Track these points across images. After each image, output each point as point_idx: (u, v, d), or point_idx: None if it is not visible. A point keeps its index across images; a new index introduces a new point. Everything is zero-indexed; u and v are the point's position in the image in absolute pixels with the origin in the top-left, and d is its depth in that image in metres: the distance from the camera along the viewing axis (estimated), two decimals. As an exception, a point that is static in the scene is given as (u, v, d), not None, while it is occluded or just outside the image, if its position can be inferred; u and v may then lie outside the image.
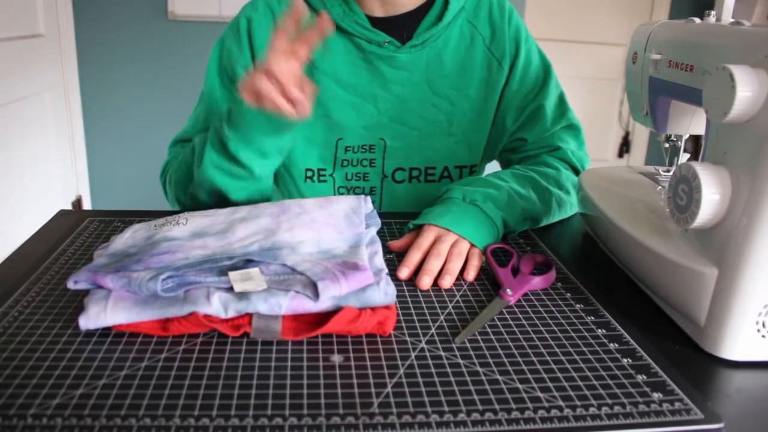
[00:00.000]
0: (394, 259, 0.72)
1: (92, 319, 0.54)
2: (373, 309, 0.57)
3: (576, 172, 0.93)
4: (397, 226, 0.83)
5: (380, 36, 0.88)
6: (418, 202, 0.97)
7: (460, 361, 0.53)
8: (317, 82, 0.89)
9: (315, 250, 0.65)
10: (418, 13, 0.90)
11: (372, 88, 0.90)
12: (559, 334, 0.58)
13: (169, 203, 0.93)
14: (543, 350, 0.55)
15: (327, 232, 0.68)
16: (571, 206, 0.89)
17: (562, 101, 0.96)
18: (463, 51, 0.92)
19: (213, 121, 0.86)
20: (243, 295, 0.56)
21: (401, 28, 0.90)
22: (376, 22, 0.89)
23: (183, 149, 0.90)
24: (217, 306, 0.55)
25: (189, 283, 0.57)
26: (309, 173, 0.94)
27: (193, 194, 0.84)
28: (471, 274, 0.69)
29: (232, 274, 0.58)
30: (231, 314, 0.55)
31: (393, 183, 0.96)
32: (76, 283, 0.57)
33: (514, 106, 0.94)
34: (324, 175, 0.94)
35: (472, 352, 0.54)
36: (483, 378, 0.50)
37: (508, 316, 0.61)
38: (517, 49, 0.93)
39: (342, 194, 0.94)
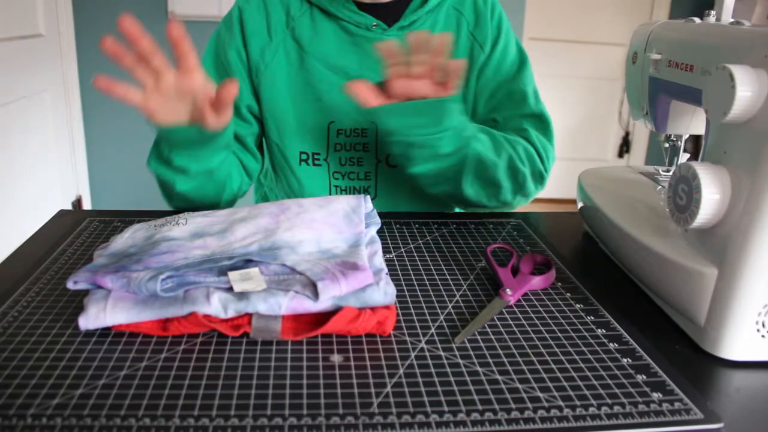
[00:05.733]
0: (393, 259, 0.72)
1: (92, 319, 0.54)
2: (372, 309, 0.56)
3: (539, 156, 0.90)
4: (397, 226, 0.83)
5: (368, 19, 0.90)
6: (415, 186, 0.97)
7: (460, 361, 0.53)
8: (307, 67, 0.92)
9: (314, 249, 0.65)
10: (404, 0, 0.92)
11: (361, 70, 0.91)
12: (559, 334, 0.58)
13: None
14: (543, 350, 0.55)
15: (326, 232, 0.68)
16: (524, 177, 0.86)
17: (535, 95, 0.97)
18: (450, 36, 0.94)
19: None
20: (243, 295, 0.56)
21: (388, 13, 0.91)
22: (364, 6, 0.91)
23: None
24: (216, 306, 0.55)
25: (188, 283, 0.57)
26: (303, 156, 0.95)
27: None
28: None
29: (232, 275, 0.58)
30: (230, 314, 0.55)
31: (387, 167, 0.96)
32: (75, 283, 0.56)
33: (487, 93, 0.96)
34: (318, 159, 0.95)
35: (471, 352, 0.54)
36: (483, 378, 0.50)
37: (507, 316, 0.61)
38: (497, 38, 0.95)
39: (337, 179, 0.96)
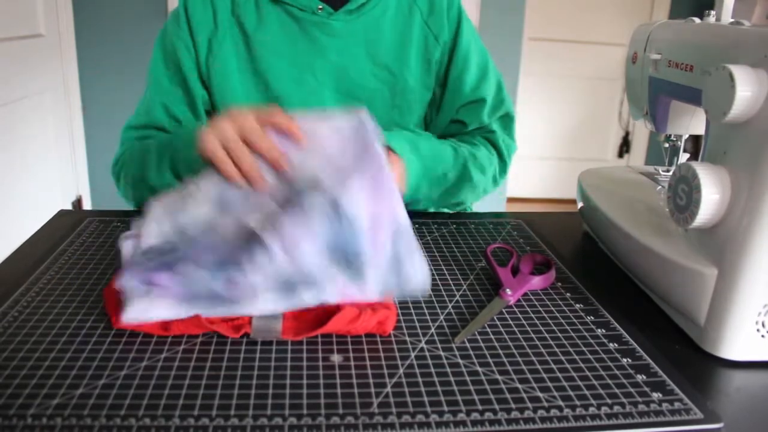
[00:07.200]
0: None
1: (136, 312, 0.54)
2: (373, 309, 0.57)
3: (501, 157, 0.96)
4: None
5: (313, 2, 0.87)
6: None
7: (460, 361, 0.53)
8: (255, 55, 0.89)
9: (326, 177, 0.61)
10: None
11: (309, 57, 0.89)
12: (559, 334, 0.58)
13: (121, 194, 0.91)
14: (543, 350, 0.55)
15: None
16: (480, 185, 0.92)
17: (499, 89, 0.97)
18: (401, 22, 0.92)
19: (157, 112, 0.90)
20: (290, 286, 0.56)
21: None
22: None
23: (136, 141, 0.89)
24: (263, 306, 0.56)
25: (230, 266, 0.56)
26: None
27: (152, 187, 0.81)
28: None
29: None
30: (282, 308, 0.57)
31: None
32: (128, 282, 0.55)
33: (458, 95, 0.94)
34: None
35: (471, 352, 0.54)
36: (482, 378, 0.50)
37: (507, 315, 0.61)
38: (456, 31, 0.93)
39: None
